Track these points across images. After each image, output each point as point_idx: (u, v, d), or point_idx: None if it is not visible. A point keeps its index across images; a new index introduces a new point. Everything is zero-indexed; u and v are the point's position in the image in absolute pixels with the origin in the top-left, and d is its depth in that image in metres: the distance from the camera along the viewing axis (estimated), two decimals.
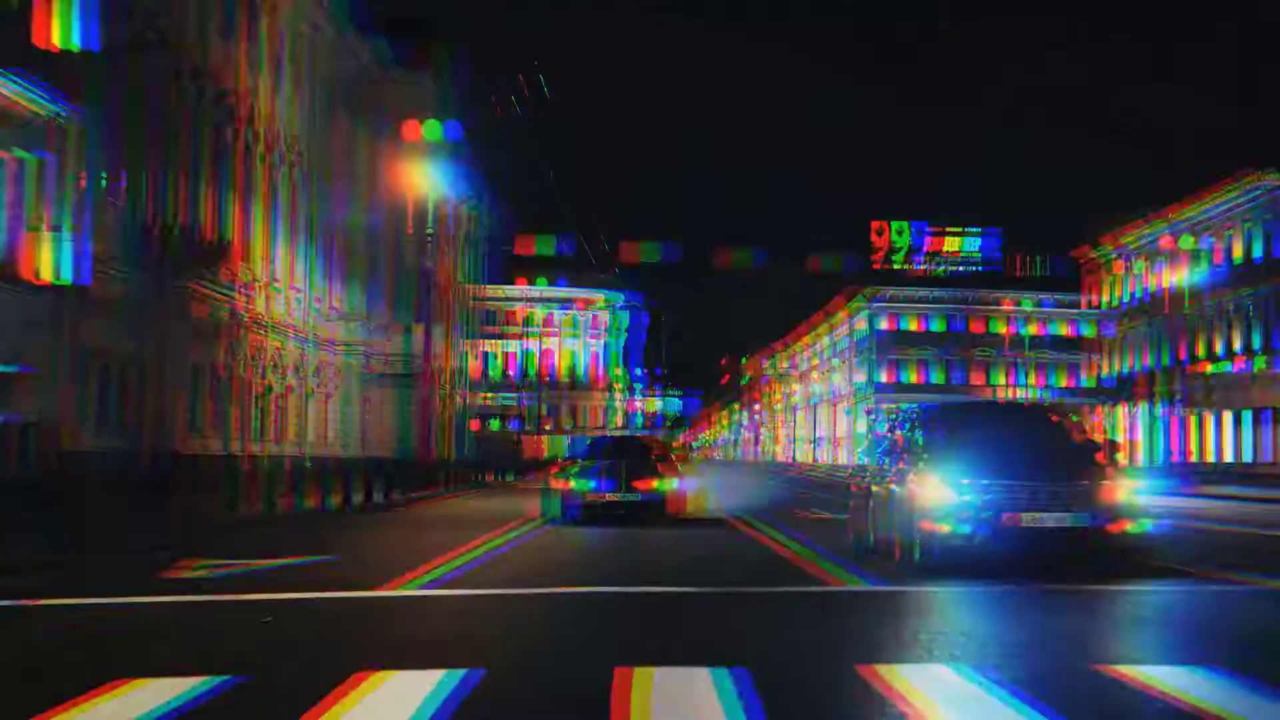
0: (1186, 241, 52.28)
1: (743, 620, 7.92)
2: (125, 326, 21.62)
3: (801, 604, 8.84)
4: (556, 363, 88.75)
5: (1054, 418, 13.25)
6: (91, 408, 20.82)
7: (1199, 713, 4.77)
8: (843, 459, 77.88)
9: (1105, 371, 62.95)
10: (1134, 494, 10.35)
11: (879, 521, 11.64)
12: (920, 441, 11.34)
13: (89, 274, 20.79)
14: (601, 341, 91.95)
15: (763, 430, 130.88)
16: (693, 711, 4.88)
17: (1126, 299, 59.47)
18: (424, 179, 34.87)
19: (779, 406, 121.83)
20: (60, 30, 20.21)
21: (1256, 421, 47.65)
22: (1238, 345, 49.23)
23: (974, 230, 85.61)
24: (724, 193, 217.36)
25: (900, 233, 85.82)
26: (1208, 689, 5.18)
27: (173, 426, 22.57)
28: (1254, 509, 24.45)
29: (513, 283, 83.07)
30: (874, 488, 12.06)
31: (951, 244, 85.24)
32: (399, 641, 6.93)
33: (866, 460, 14.76)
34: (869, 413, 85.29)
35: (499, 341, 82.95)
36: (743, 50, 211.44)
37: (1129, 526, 9.98)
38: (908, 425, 12.17)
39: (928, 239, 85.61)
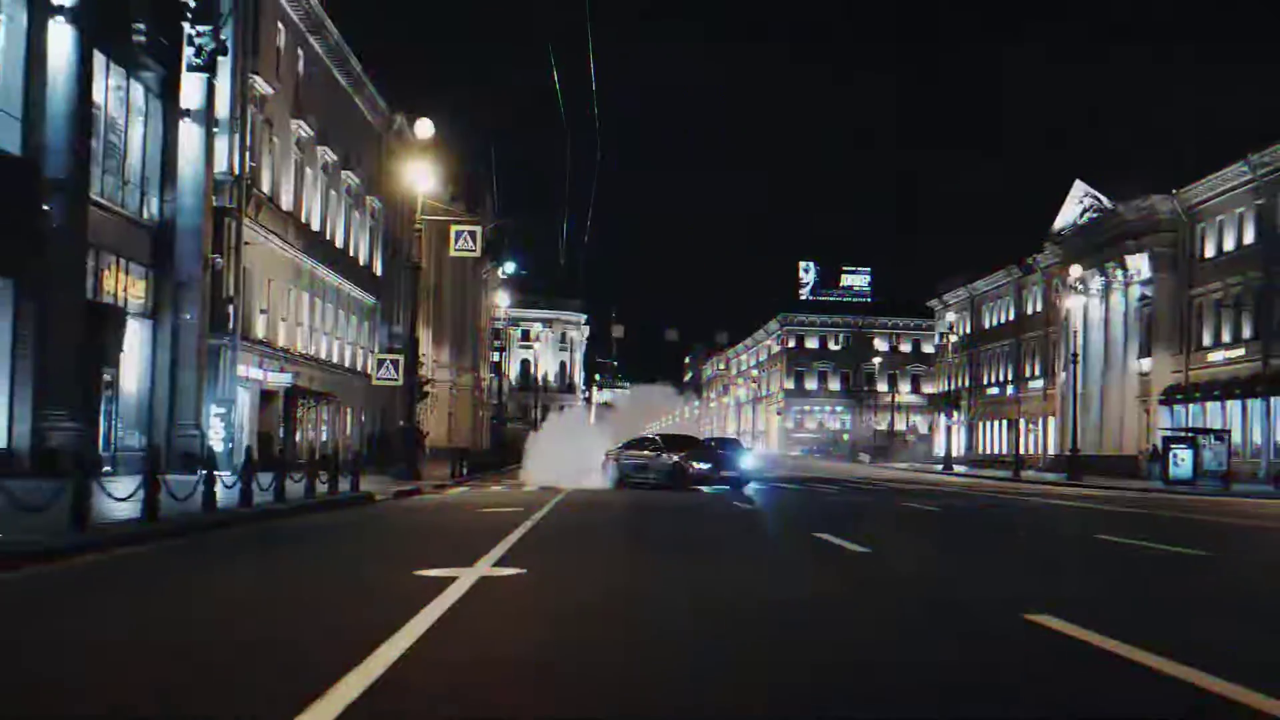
0: (978, 303, 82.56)
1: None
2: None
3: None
4: (537, 369, 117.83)
5: (737, 441, 42.69)
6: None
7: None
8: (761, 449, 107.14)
9: (937, 388, 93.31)
10: (756, 461, 39.48)
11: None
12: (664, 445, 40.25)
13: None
14: (570, 353, 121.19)
15: (703, 423, 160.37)
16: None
17: (954, 336, 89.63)
18: (494, 292, 63.75)
19: (718, 403, 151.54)
20: (375, 263, 49.16)
21: (1015, 427, 77.79)
22: (1000, 377, 79.51)
23: (864, 269, 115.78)
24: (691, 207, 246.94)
25: (807, 270, 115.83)
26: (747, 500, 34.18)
27: None
28: (978, 482, 53.96)
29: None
30: None
31: (846, 280, 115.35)
32: (589, 481, 35.83)
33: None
34: (780, 413, 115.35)
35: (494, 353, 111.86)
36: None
37: (752, 474, 38.92)
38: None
39: (829, 276, 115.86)
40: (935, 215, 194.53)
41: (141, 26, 27.37)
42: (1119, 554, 12.85)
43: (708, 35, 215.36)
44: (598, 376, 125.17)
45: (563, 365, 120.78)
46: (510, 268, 61.81)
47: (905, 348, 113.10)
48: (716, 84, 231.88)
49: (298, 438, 37.15)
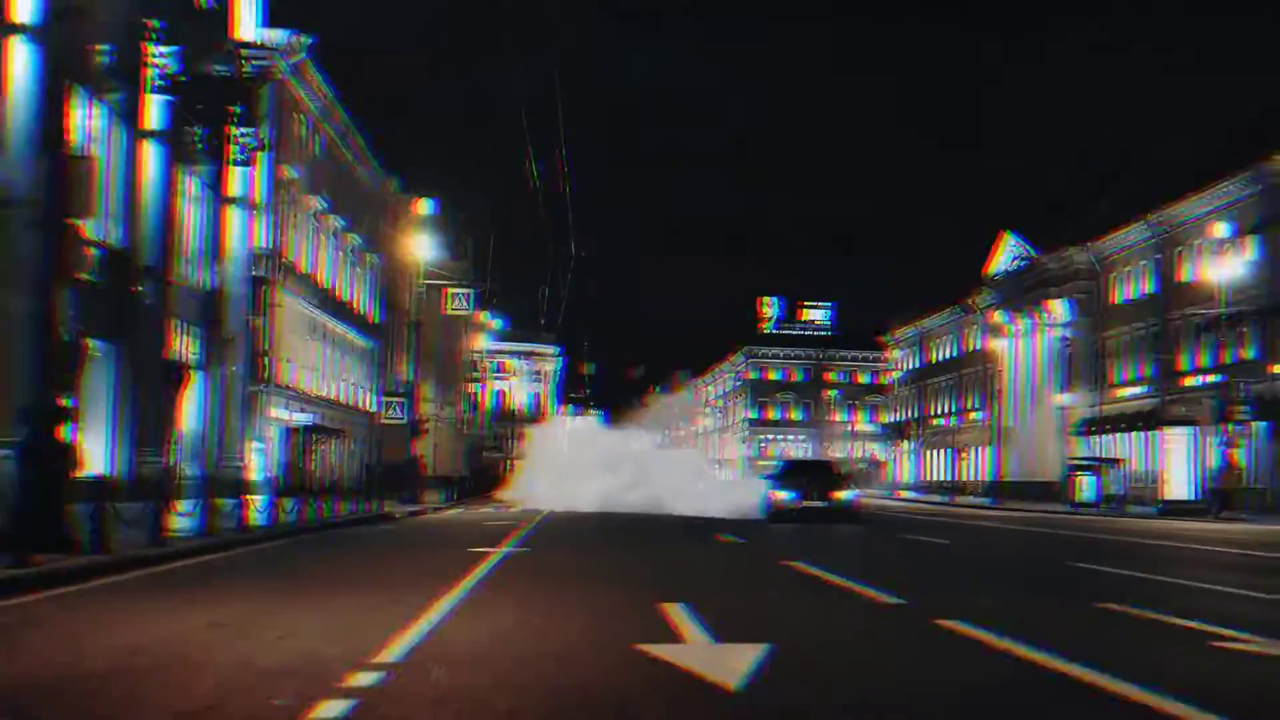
0: (925, 339, 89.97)
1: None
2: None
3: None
4: (511, 400, 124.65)
5: (828, 464, 39.62)
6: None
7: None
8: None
9: (890, 419, 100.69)
10: (848, 490, 30.41)
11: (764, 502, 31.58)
12: (776, 473, 34.84)
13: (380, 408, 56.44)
14: (543, 384, 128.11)
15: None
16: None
17: (898, 372, 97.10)
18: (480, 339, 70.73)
19: (686, 432, 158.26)
20: (372, 311, 55.94)
21: (957, 455, 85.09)
22: (945, 408, 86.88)
23: (824, 304, 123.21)
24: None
25: (770, 305, 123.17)
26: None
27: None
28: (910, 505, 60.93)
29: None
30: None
31: (806, 314, 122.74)
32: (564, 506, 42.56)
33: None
34: (745, 441, 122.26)
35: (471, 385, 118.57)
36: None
37: (839, 502, 29.41)
38: (777, 468, 36.84)
39: (790, 310, 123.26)
40: (931, 223, 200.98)
41: (200, 133, 34.25)
42: (895, 542, 19.93)
43: (708, 35, 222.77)
44: (569, 407, 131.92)
45: (536, 396, 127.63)
46: (498, 324, 69.05)
47: (863, 379, 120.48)
48: (713, 85, 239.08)
49: (314, 468, 43.79)
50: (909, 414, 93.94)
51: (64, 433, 13.13)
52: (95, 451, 29.26)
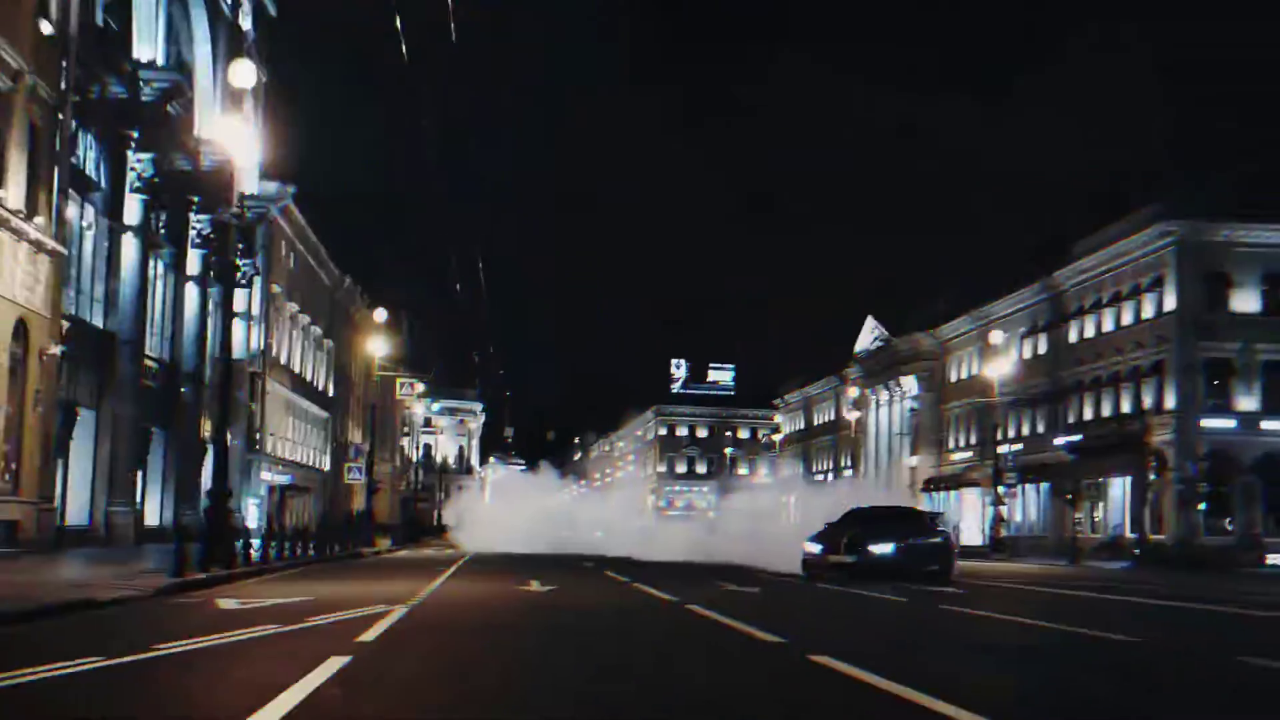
0: (809, 403, 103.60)
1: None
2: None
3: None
4: (440, 453, 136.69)
5: (913, 509, 35.08)
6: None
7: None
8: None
9: (779, 474, 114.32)
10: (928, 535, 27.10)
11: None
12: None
13: (331, 468, 68.59)
14: (468, 437, 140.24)
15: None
16: None
17: (784, 431, 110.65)
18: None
19: (602, 483, 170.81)
20: (328, 386, 68.19)
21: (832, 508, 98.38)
22: (824, 466, 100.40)
23: (728, 366, 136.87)
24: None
25: (678, 366, 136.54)
26: None
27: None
28: None
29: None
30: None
31: (712, 376, 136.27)
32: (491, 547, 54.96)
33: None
34: (655, 492, 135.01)
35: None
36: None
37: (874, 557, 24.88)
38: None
39: (697, 372, 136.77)
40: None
41: (214, 260, 46.65)
42: (677, 566, 32.75)
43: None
44: (493, 459, 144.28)
45: (461, 449, 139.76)
46: (436, 405, 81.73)
47: (762, 435, 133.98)
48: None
49: (289, 518, 55.98)
50: (795, 470, 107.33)
51: (228, 501, 25.68)
52: (152, 506, 41.57)
